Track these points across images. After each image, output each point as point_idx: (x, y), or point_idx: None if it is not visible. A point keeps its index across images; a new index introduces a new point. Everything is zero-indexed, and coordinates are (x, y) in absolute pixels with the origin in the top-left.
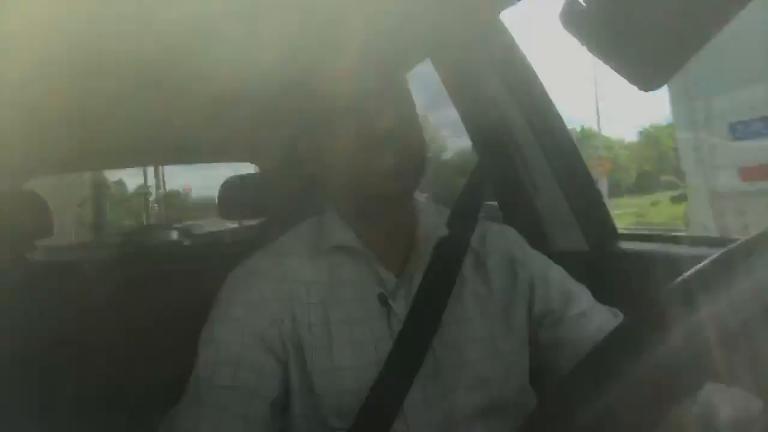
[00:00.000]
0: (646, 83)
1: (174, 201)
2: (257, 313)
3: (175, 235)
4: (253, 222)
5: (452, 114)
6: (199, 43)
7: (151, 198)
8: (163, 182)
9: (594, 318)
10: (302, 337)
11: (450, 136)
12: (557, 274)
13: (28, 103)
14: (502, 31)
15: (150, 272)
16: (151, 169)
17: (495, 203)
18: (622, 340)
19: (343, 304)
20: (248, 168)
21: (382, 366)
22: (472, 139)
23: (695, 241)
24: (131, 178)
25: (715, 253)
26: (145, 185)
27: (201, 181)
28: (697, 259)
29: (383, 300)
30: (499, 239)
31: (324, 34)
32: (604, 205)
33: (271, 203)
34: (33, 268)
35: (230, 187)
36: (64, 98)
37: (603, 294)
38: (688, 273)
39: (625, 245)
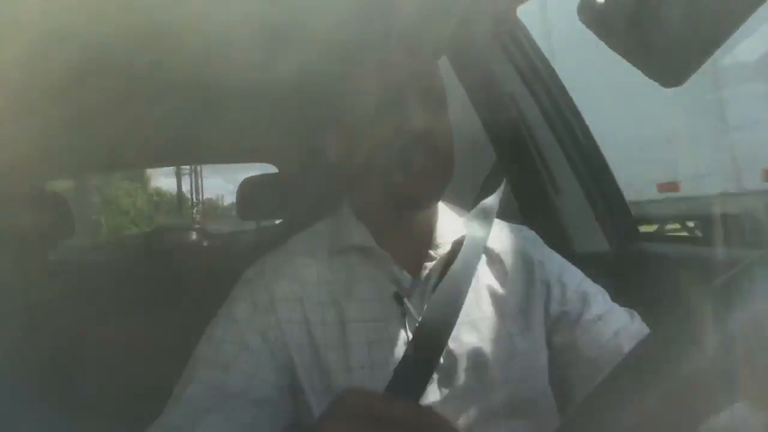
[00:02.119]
0: (667, 79)
1: (210, 208)
2: (262, 314)
3: (193, 235)
4: (271, 222)
5: None
6: (220, 43)
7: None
8: (202, 189)
9: (611, 321)
10: (316, 337)
11: None
12: (575, 275)
13: (49, 105)
14: (519, 27)
15: (169, 272)
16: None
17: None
18: (649, 353)
19: (358, 303)
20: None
21: (397, 366)
22: (490, 138)
23: (717, 244)
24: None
25: (740, 257)
26: (179, 194)
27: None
28: (720, 261)
29: (399, 299)
30: (516, 239)
31: (350, 33)
32: (626, 205)
33: (289, 203)
34: (55, 267)
35: (248, 187)
36: (85, 100)
37: (624, 295)
38: (717, 281)
39: (647, 246)
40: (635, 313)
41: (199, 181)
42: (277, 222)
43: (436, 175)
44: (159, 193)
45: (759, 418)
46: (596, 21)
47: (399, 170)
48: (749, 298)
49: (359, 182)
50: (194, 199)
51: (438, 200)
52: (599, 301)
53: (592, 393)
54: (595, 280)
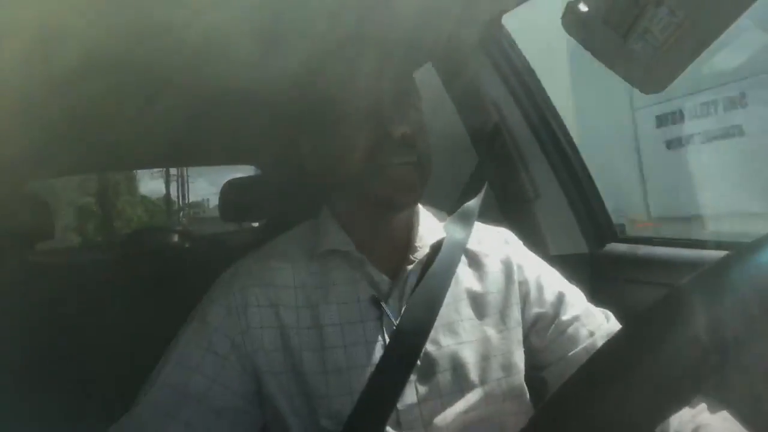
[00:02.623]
0: (649, 85)
1: (197, 212)
2: (233, 319)
3: (175, 237)
4: (254, 224)
5: None
6: (204, 48)
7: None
8: (187, 193)
9: (586, 322)
10: (291, 341)
11: None
12: (552, 277)
13: (30, 105)
14: (503, 34)
15: (150, 274)
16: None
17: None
18: (617, 350)
19: (335, 306)
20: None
21: (374, 368)
22: (473, 142)
23: (693, 244)
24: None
25: (713, 257)
26: (167, 197)
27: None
28: (696, 261)
29: (376, 303)
30: (495, 241)
31: (332, 37)
32: (604, 207)
33: (272, 206)
34: (34, 269)
35: (231, 189)
36: (67, 100)
37: (601, 296)
38: (685, 280)
39: (624, 247)
40: (610, 314)
41: (185, 185)
42: (259, 224)
43: (412, 178)
44: (144, 198)
45: (726, 416)
46: (579, 29)
47: (375, 175)
48: (718, 295)
49: (337, 187)
50: (180, 203)
51: (416, 203)
52: (576, 302)
53: (561, 389)
54: (572, 282)
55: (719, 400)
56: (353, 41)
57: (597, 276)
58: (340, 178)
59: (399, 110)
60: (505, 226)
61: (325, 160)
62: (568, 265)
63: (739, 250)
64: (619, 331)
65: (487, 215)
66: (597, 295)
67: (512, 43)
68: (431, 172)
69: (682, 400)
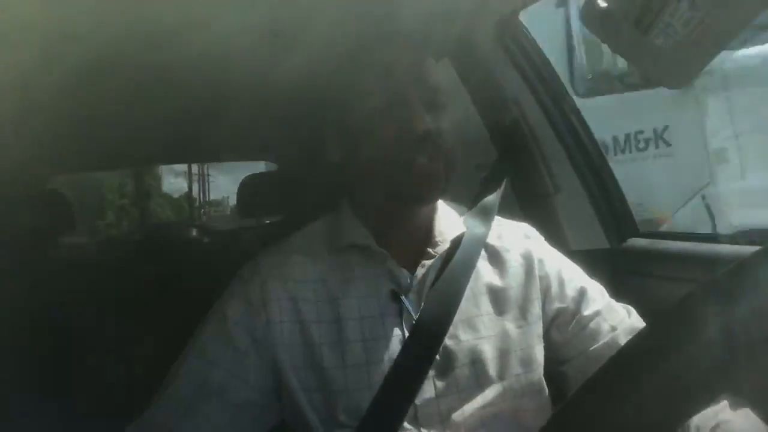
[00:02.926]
0: (670, 81)
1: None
2: (253, 313)
3: (194, 232)
4: (272, 220)
5: None
6: (221, 42)
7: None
8: (208, 190)
9: (608, 317)
10: (311, 335)
11: None
12: (573, 272)
13: (50, 102)
14: (520, 29)
15: (169, 268)
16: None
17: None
18: (643, 348)
19: (355, 301)
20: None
21: (393, 363)
22: (492, 137)
23: (715, 239)
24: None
25: (734, 252)
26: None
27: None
28: (718, 257)
29: (396, 297)
30: (516, 236)
31: (356, 32)
32: (625, 202)
33: (289, 201)
34: (56, 264)
35: (249, 185)
36: (87, 97)
37: (622, 291)
38: (712, 277)
39: (645, 242)
40: (632, 309)
41: (206, 181)
42: (275, 221)
43: (437, 174)
44: (161, 192)
45: (748, 413)
46: (599, 24)
47: (400, 170)
48: (744, 293)
49: (360, 181)
50: (201, 199)
51: (438, 199)
52: (597, 297)
53: (584, 386)
54: (593, 277)
55: (741, 397)
56: (374, 36)
57: (618, 271)
58: (364, 173)
59: (425, 105)
60: (525, 221)
61: (349, 155)
62: (589, 261)
63: (762, 250)
64: (642, 330)
65: (507, 210)
66: (618, 291)
67: (530, 38)
68: (456, 168)
69: (705, 400)
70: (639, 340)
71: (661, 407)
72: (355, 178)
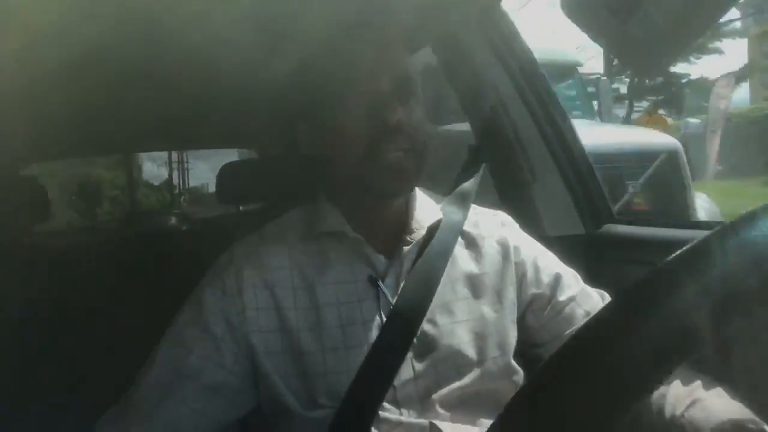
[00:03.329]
0: (646, 69)
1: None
2: (228, 301)
3: (173, 220)
4: (252, 207)
5: None
6: (203, 32)
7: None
8: (187, 178)
9: (582, 302)
10: (289, 321)
11: None
12: (548, 259)
13: (26, 90)
14: (502, 17)
15: (147, 257)
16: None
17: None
18: (602, 325)
19: (332, 286)
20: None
21: (372, 347)
22: (471, 124)
23: (691, 225)
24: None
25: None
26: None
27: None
28: (691, 242)
29: (373, 282)
30: (492, 223)
31: (328, 23)
32: (601, 188)
33: (269, 189)
34: (30, 253)
35: (229, 173)
36: (64, 84)
37: (597, 276)
38: (669, 258)
39: (621, 228)
40: (606, 295)
41: (185, 169)
42: (256, 208)
43: (408, 166)
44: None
45: (720, 392)
46: (578, 12)
47: (372, 164)
48: (700, 271)
49: (333, 173)
50: (181, 187)
51: (410, 191)
52: (572, 283)
53: (547, 363)
54: (568, 263)
55: (713, 377)
56: (349, 27)
57: (593, 257)
58: (336, 165)
59: (396, 96)
60: (503, 209)
61: (321, 147)
62: (565, 247)
63: (725, 226)
64: (600, 310)
65: (485, 198)
66: (593, 276)
67: (511, 27)
68: (427, 160)
69: (661, 376)
70: (598, 318)
71: (619, 382)
72: (330, 170)
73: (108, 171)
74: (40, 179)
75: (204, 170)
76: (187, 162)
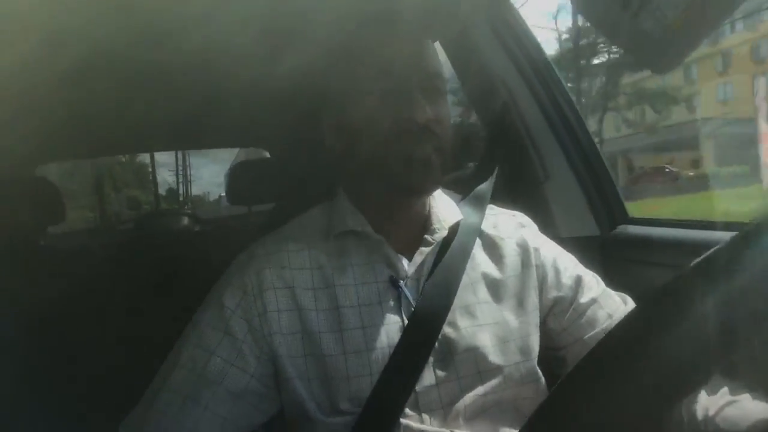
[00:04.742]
0: (659, 65)
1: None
2: (249, 301)
3: (185, 220)
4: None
5: None
6: (215, 30)
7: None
8: (189, 182)
9: (604, 304)
10: (309, 323)
11: None
12: (569, 261)
13: (38, 90)
14: (512, 13)
15: (159, 258)
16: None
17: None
18: (630, 331)
19: (352, 288)
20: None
21: (393, 349)
22: (482, 123)
23: (706, 226)
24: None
25: (723, 238)
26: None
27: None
28: (707, 243)
29: (394, 283)
30: (511, 225)
31: (342, 21)
32: (616, 189)
33: (280, 189)
34: (45, 254)
35: (239, 173)
36: (76, 84)
37: (612, 278)
38: (695, 261)
39: (636, 229)
40: (628, 298)
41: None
42: (268, 208)
43: (435, 164)
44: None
45: (744, 396)
46: (589, 7)
47: (401, 162)
48: (729, 276)
49: (358, 171)
50: (186, 189)
51: (436, 189)
52: (593, 285)
53: (575, 369)
54: (584, 264)
55: (741, 384)
56: (374, 23)
57: (608, 258)
58: (363, 164)
59: (423, 94)
60: (515, 208)
61: (348, 146)
62: (580, 248)
63: (747, 230)
64: (629, 314)
65: (497, 197)
66: (609, 277)
67: (521, 22)
68: (452, 157)
69: (695, 382)
70: (627, 323)
71: (650, 389)
72: (354, 168)
73: (123, 171)
74: (55, 180)
75: (209, 174)
76: (191, 169)
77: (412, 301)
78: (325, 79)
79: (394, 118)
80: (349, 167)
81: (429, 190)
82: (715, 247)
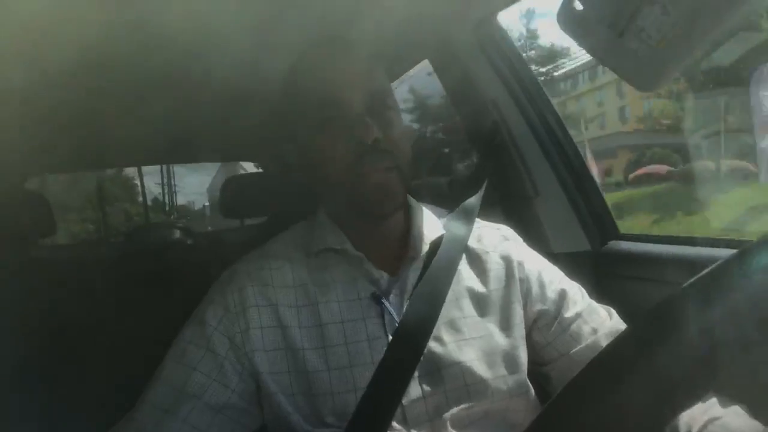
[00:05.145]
0: (644, 84)
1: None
2: (232, 319)
3: (177, 233)
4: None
5: None
6: (205, 44)
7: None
8: (174, 194)
9: (589, 319)
10: (294, 340)
11: None
12: (554, 274)
13: (29, 102)
14: (500, 31)
15: (152, 271)
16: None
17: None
18: (625, 349)
19: (335, 304)
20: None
21: (378, 365)
22: (471, 140)
23: (695, 242)
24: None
25: (717, 255)
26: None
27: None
28: (697, 259)
29: (377, 299)
30: (495, 238)
31: (302, 36)
32: (605, 203)
33: (272, 203)
34: (37, 266)
35: (232, 186)
36: (67, 97)
37: (604, 293)
38: (692, 280)
39: (626, 245)
40: (613, 311)
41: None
42: (259, 222)
43: (391, 183)
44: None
45: (737, 410)
46: (575, 27)
47: (355, 184)
48: (723, 294)
49: (324, 191)
50: (172, 201)
51: (399, 209)
52: (578, 299)
53: (567, 387)
54: (574, 279)
55: (730, 396)
56: (315, 43)
57: (599, 273)
58: (324, 186)
59: (370, 113)
60: (507, 224)
61: (308, 168)
62: (570, 263)
63: (741, 251)
64: (623, 332)
65: (488, 212)
66: (599, 293)
67: (508, 41)
68: (412, 175)
69: (687, 399)
70: (619, 341)
71: (643, 407)
72: (320, 189)
73: (114, 185)
74: (45, 193)
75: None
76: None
77: (395, 316)
78: (281, 104)
79: (344, 144)
80: (318, 190)
81: (390, 211)
82: (710, 267)
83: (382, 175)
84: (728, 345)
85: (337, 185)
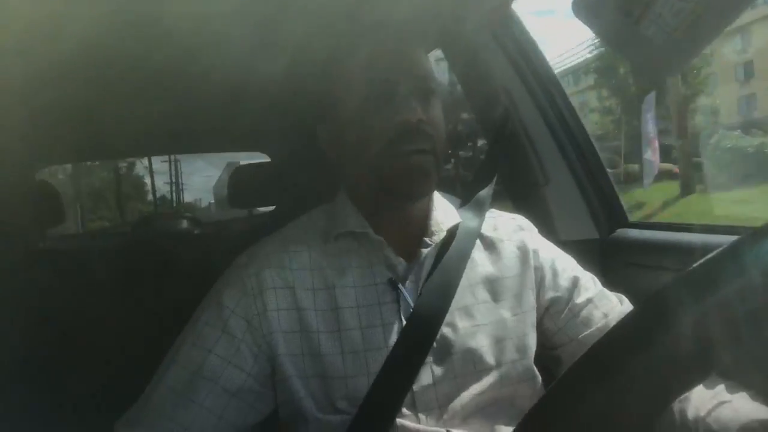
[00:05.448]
0: (660, 71)
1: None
2: (249, 301)
3: (184, 223)
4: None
5: None
6: (212, 33)
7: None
8: (182, 191)
9: (600, 304)
10: (308, 323)
11: None
12: (566, 262)
13: (39, 94)
14: (513, 19)
15: (160, 261)
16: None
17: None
18: (625, 332)
19: (351, 289)
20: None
21: (391, 350)
22: (483, 128)
23: (705, 229)
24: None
25: (725, 242)
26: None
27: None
28: (707, 247)
29: (393, 284)
30: (511, 227)
31: (337, 23)
32: (614, 191)
33: (280, 192)
34: (45, 256)
35: (240, 176)
36: (75, 88)
37: (611, 281)
38: (695, 265)
39: (635, 233)
40: (624, 298)
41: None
42: (267, 211)
43: (428, 166)
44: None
45: (744, 396)
46: (591, 15)
47: (394, 165)
48: (725, 281)
49: (355, 174)
50: (179, 198)
51: (432, 191)
52: (590, 286)
53: (570, 369)
54: (583, 267)
55: (738, 382)
56: (366, 28)
57: (607, 261)
58: (359, 167)
59: (414, 95)
60: (516, 212)
61: (343, 148)
62: (579, 251)
63: (749, 234)
64: (626, 316)
65: (498, 200)
66: (608, 280)
67: (522, 29)
68: (445, 159)
69: (688, 382)
70: (623, 324)
71: (645, 389)
72: (351, 172)
73: (123, 176)
74: (56, 183)
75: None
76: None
77: (410, 302)
78: (316, 85)
79: (387, 122)
80: (347, 171)
81: (424, 193)
82: (712, 253)
83: (420, 156)
84: (727, 330)
85: (373, 163)
